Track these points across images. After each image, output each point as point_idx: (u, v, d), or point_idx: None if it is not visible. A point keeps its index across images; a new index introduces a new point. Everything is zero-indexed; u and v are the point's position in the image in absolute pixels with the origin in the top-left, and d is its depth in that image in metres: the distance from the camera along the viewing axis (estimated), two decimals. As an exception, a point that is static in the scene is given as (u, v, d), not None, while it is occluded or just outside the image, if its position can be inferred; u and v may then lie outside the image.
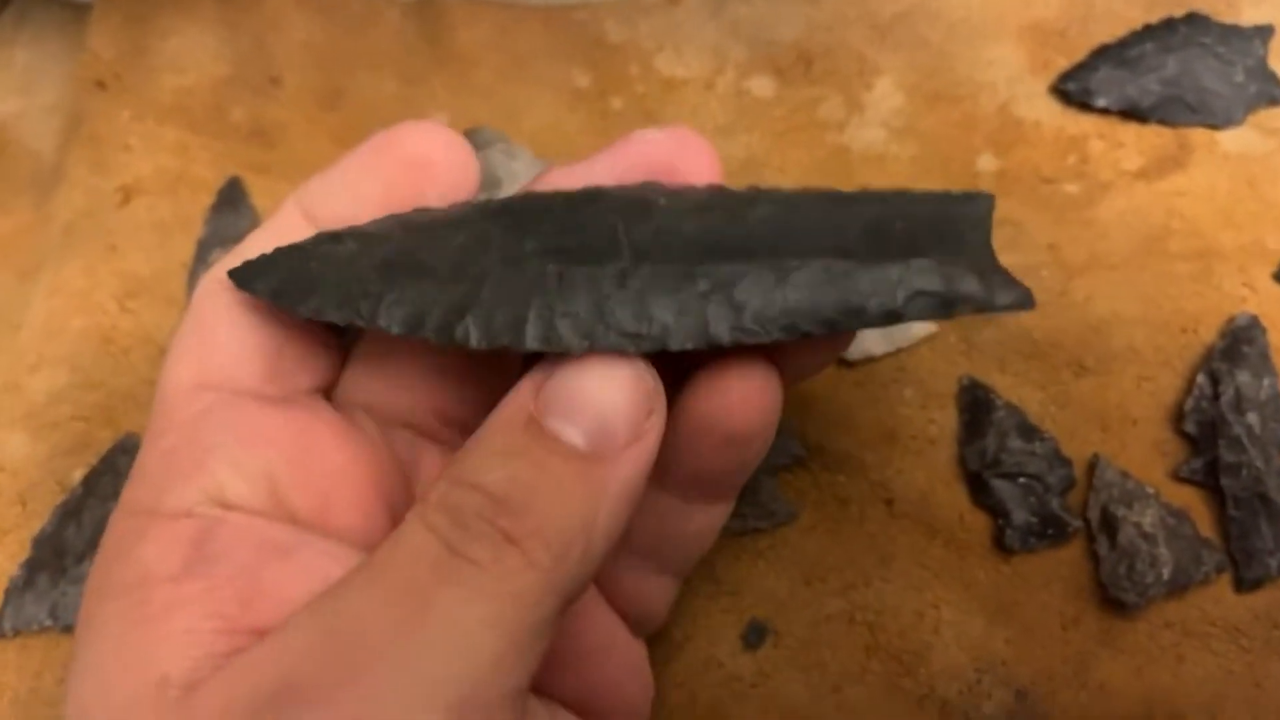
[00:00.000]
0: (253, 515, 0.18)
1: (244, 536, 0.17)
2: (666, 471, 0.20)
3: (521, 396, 0.17)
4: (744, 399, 0.18)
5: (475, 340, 0.17)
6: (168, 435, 0.18)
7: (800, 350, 0.19)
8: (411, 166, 0.20)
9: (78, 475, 0.30)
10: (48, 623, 0.28)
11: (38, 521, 0.29)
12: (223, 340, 0.19)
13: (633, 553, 0.21)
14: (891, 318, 0.17)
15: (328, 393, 0.21)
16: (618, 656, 0.22)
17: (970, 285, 0.17)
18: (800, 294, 0.17)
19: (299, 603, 0.17)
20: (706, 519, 0.21)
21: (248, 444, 0.18)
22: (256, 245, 0.19)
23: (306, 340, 0.20)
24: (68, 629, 0.28)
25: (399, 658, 0.15)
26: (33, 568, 0.29)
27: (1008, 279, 0.18)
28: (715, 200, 0.19)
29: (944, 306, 0.17)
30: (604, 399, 0.17)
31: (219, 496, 0.18)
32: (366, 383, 0.21)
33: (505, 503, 0.16)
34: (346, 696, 0.14)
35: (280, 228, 0.20)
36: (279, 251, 0.19)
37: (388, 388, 0.21)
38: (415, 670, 0.14)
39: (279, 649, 0.15)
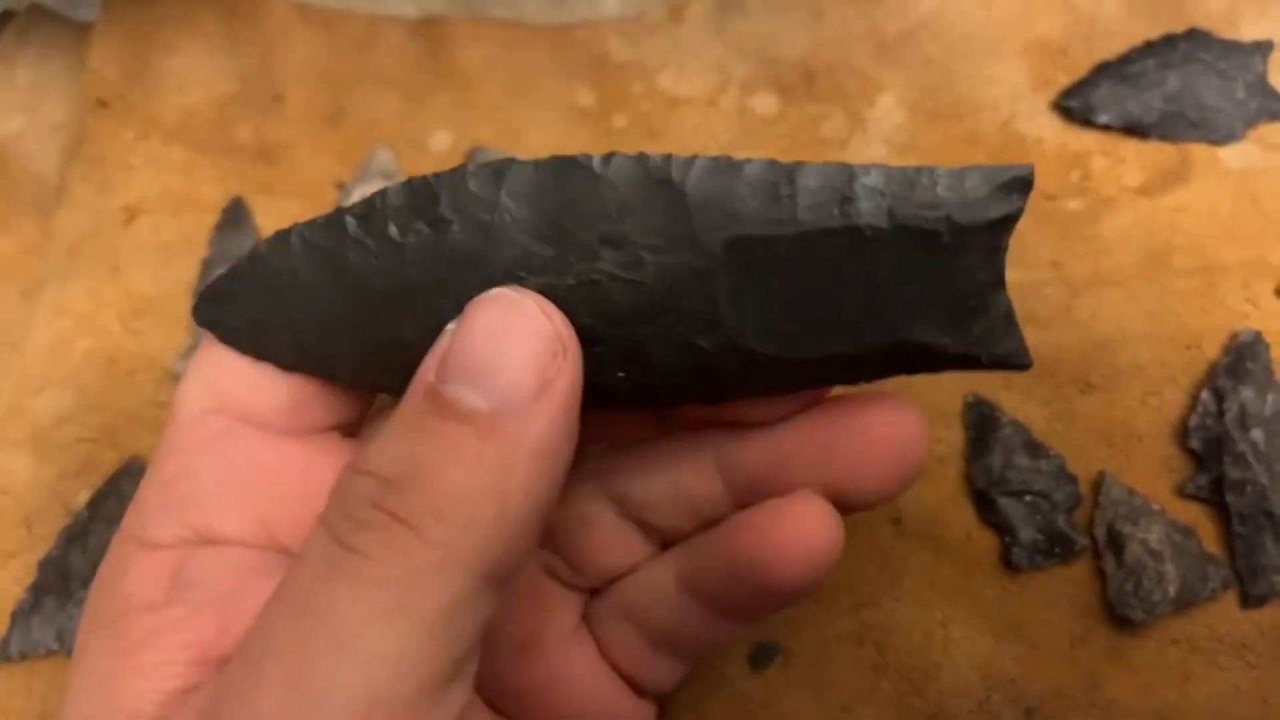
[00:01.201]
0: (239, 547, 0.18)
1: (226, 564, 0.17)
2: (697, 586, 0.19)
3: (423, 369, 0.16)
4: (798, 542, 0.17)
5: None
6: (170, 463, 0.18)
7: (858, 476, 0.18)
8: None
9: (83, 498, 0.30)
10: (54, 646, 0.28)
11: (43, 545, 0.29)
12: (243, 365, 0.19)
13: (648, 640, 0.21)
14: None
15: (355, 426, 0.20)
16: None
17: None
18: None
19: None
20: (732, 630, 0.20)
21: (245, 485, 0.18)
22: None
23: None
24: (74, 652, 0.28)
25: (297, 668, 0.14)
26: (39, 591, 0.29)
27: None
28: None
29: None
30: (498, 350, 0.15)
31: (206, 532, 0.18)
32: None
33: (394, 483, 0.14)
34: (247, 717, 0.14)
35: None
36: (241, 279, 0.19)
37: None
38: (314, 679, 0.13)
39: (219, 677, 0.15)
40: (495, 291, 0.16)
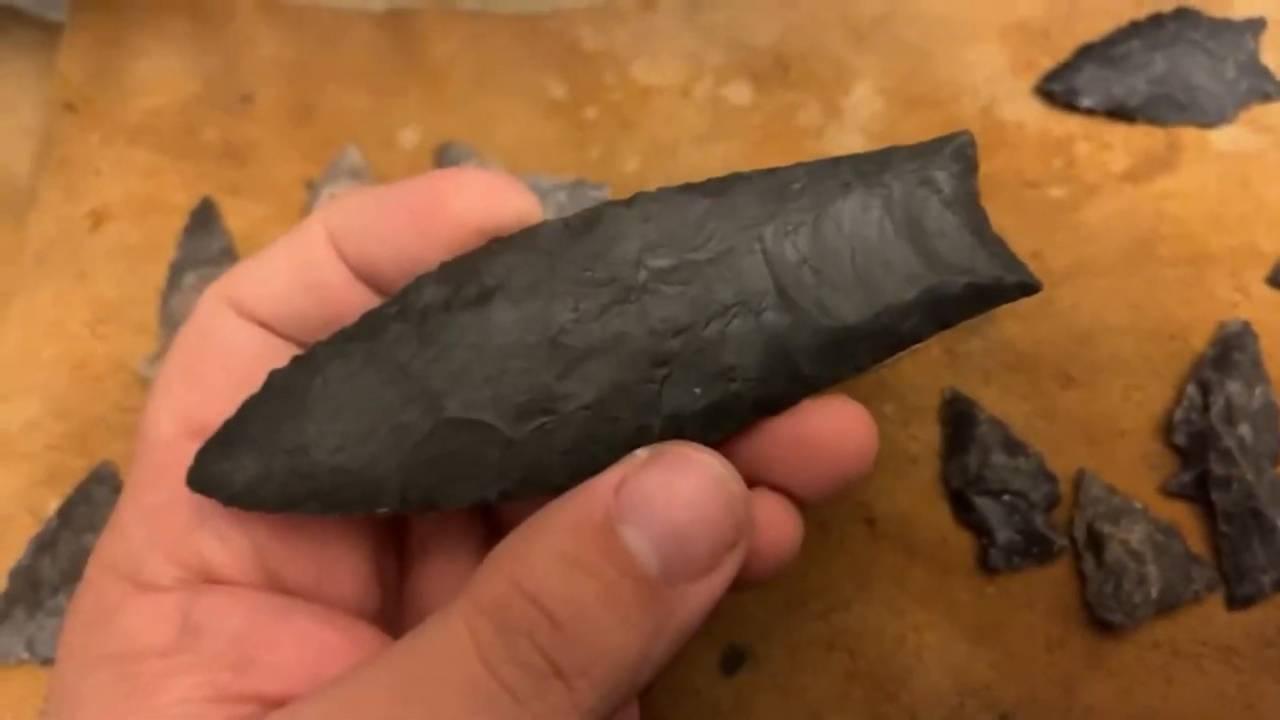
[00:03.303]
0: (240, 587, 0.17)
1: (233, 606, 0.17)
2: None
3: (602, 489, 0.15)
4: (765, 536, 0.17)
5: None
6: (152, 491, 0.18)
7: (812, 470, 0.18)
8: (457, 227, 0.18)
9: (52, 506, 0.29)
10: (24, 655, 0.28)
11: (12, 554, 0.29)
12: (218, 386, 0.18)
13: None
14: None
15: None
16: None
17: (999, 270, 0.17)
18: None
19: (294, 666, 0.16)
20: None
21: (234, 515, 0.17)
22: (271, 265, 0.18)
23: None
24: (46, 662, 0.28)
25: None
26: (8, 601, 0.28)
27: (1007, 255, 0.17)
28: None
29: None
30: (692, 522, 0.15)
31: (204, 571, 0.17)
32: None
33: (561, 628, 0.14)
34: None
35: (303, 251, 0.18)
36: (244, 432, 0.17)
37: None
38: None
39: None
40: (706, 459, 0.15)
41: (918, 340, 0.17)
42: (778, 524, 0.18)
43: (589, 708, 0.14)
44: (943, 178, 0.17)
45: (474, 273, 0.17)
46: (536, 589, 0.14)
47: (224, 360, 0.18)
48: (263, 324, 0.18)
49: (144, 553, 0.17)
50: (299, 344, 0.19)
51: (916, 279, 0.17)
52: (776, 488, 0.18)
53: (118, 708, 0.16)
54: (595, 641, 0.14)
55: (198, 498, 0.17)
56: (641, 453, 0.15)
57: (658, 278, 0.17)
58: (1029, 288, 0.17)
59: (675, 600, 0.15)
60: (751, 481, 0.18)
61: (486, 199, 0.18)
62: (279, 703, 0.16)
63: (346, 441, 0.16)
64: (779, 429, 0.18)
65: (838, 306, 0.17)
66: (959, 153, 0.18)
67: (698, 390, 0.17)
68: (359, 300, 0.18)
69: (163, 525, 0.17)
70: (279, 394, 0.17)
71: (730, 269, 0.17)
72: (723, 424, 0.17)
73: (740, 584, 0.18)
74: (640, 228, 0.17)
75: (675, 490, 0.15)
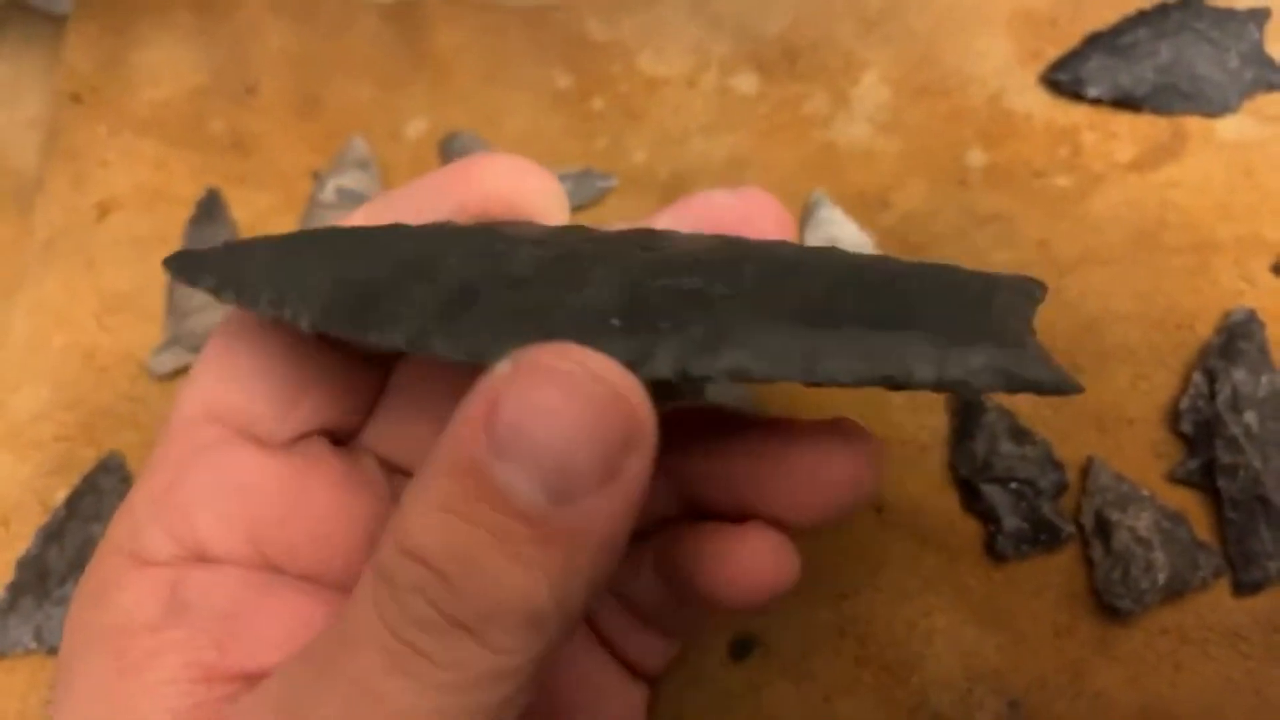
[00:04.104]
0: (232, 564, 0.18)
1: (221, 583, 0.17)
2: (667, 576, 0.19)
3: (464, 428, 0.13)
4: (755, 577, 0.17)
5: (389, 339, 0.15)
6: (163, 470, 0.18)
7: (811, 494, 0.17)
8: (489, 199, 0.18)
9: (60, 495, 0.30)
10: (32, 645, 0.28)
11: (21, 543, 0.29)
12: (243, 370, 0.18)
13: (637, 617, 0.21)
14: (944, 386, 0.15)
15: (353, 434, 0.20)
16: (615, 704, 0.21)
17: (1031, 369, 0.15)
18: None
19: (281, 644, 0.16)
20: (705, 609, 0.20)
21: (235, 497, 0.18)
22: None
23: (333, 382, 0.19)
24: (53, 651, 0.28)
25: None
26: (16, 590, 0.28)
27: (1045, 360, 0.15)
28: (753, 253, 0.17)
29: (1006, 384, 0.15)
30: (559, 434, 0.13)
31: (198, 549, 0.17)
32: (387, 435, 0.20)
33: (451, 582, 0.13)
34: None
35: None
36: (224, 249, 0.18)
37: (405, 442, 0.20)
38: None
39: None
40: (554, 350, 0.13)
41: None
42: (769, 565, 0.17)
43: (516, 649, 0.13)
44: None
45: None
46: (418, 546, 0.13)
47: (261, 347, 0.18)
48: None
49: (145, 529, 0.17)
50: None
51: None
52: (770, 519, 0.18)
53: (109, 686, 0.16)
54: (492, 588, 0.13)
55: (204, 480, 0.18)
56: (503, 365, 0.13)
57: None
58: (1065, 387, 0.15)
59: (578, 521, 0.13)
60: (743, 514, 0.18)
61: (511, 178, 0.18)
62: (264, 678, 0.16)
63: (306, 265, 0.17)
64: (770, 454, 0.17)
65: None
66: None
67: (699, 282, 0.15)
68: None
69: (166, 503, 0.18)
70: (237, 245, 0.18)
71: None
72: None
73: (732, 607, 0.18)
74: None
75: (542, 409, 0.13)
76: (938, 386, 0.15)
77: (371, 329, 0.15)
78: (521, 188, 0.18)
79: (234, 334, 0.19)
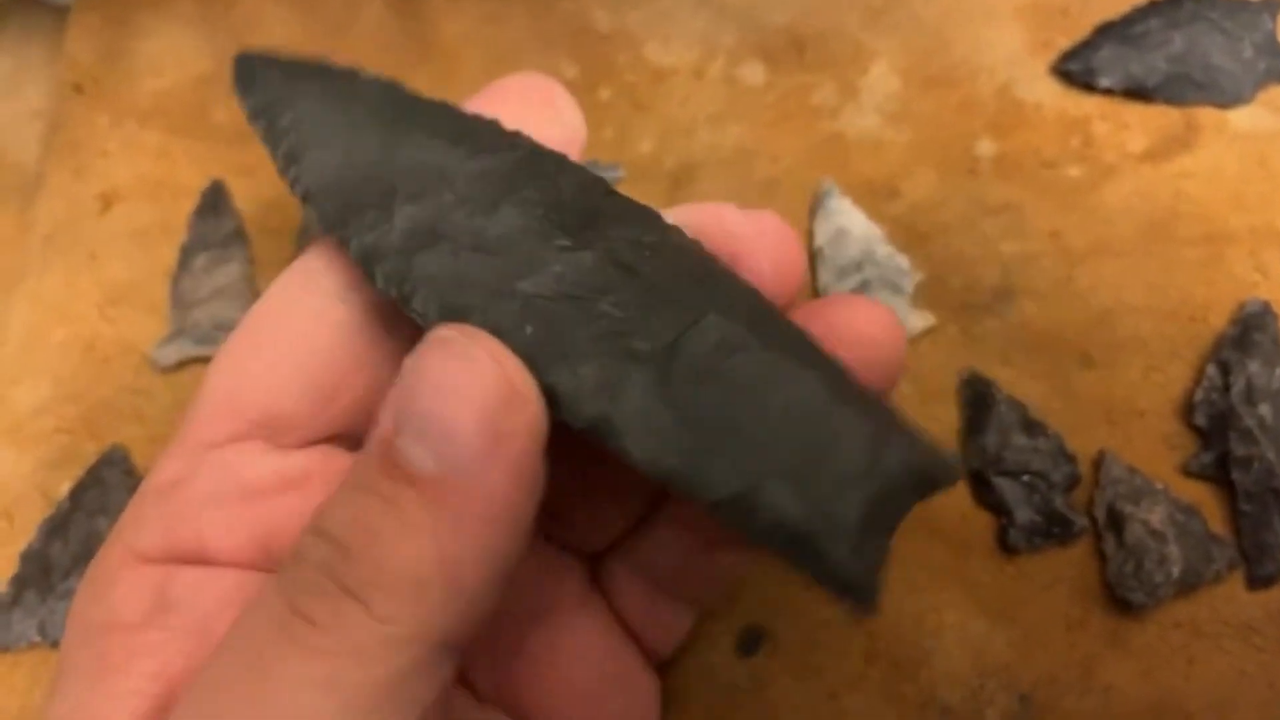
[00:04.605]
0: (233, 567, 0.17)
1: (213, 585, 0.17)
2: (684, 521, 0.19)
3: (382, 416, 0.14)
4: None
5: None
6: (174, 463, 0.18)
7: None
8: (528, 105, 0.19)
9: (64, 489, 0.29)
10: (36, 639, 0.28)
11: (24, 537, 0.29)
12: (275, 361, 0.18)
13: (656, 586, 0.20)
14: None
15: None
16: (631, 692, 0.21)
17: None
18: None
19: None
20: (733, 559, 0.20)
21: (241, 502, 0.17)
22: None
23: (372, 379, 0.18)
24: (56, 645, 0.28)
25: None
26: (20, 584, 0.28)
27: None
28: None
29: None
30: (445, 405, 0.14)
31: (199, 549, 0.17)
32: None
33: (345, 549, 0.14)
34: None
35: None
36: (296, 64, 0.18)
37: None
38: None
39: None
40: (442, 333, 0.15)
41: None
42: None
43: (400, 617, 0.14)
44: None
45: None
46: (324, 522, 0.14)
47: (288, 338, 0.18)
48: (352, 286, 0.18)
49: (146, 524, 0.17)
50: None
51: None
52: None
53: (87, 689, 0.16)
54: (381, 554, 0.14)
55: (213, 479, 0.17)
56: (408, 360, 0.15)
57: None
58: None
59: (464, 486, 0.14)
60: None
61: (542, 85, 0.19)
62: None
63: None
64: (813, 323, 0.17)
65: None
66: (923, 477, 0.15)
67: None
68: None
69: (174, 500, 0.17)
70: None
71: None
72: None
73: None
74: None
75: (428, 379, 0.14)
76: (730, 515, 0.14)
77: (344, 235, 0.16)
78: (550, 101, 0.19)
79: (268, 321, 0.18)
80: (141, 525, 0.17)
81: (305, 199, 0.17)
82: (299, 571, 0.14)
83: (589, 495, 0.20)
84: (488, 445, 0.14)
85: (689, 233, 0.17)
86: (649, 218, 0.17)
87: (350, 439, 0.19)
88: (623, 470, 0.18)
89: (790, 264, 0.18)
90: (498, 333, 0.15)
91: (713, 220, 0.18)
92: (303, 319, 0.18)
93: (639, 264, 0.16)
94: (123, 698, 0.15)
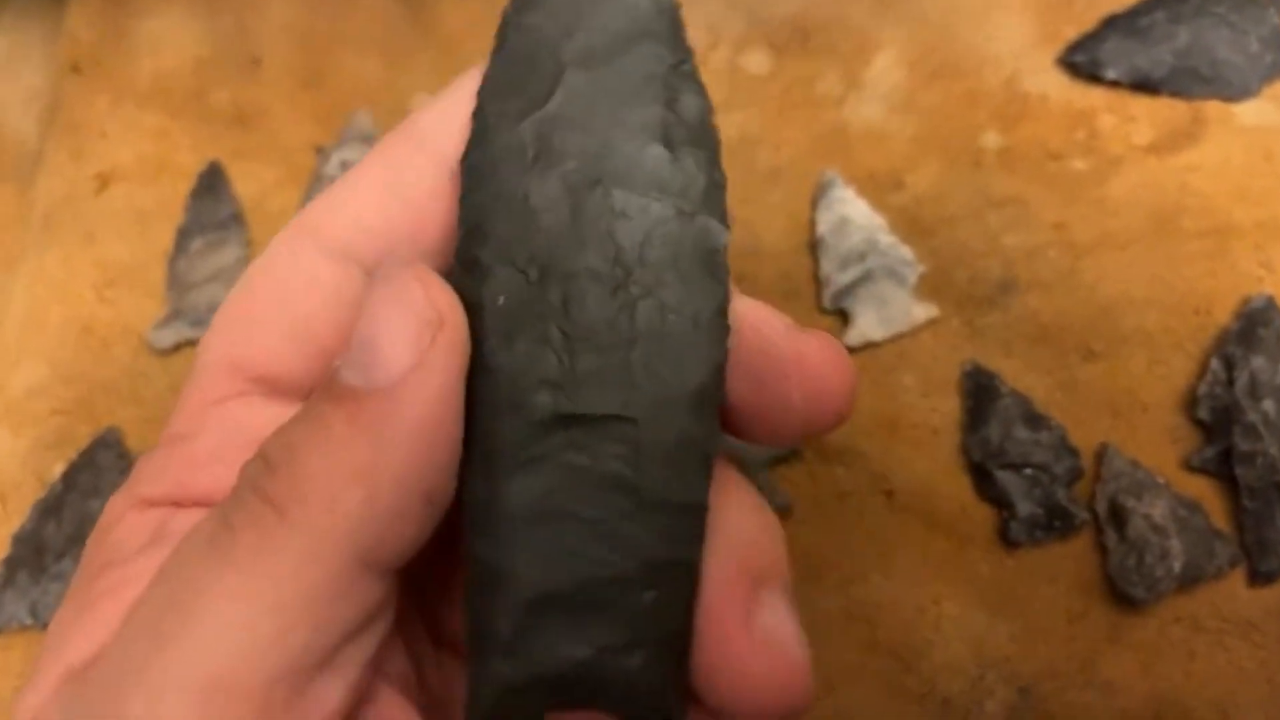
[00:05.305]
0: None
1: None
2: None
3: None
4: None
5: None
6: (182, 419, 0.18)
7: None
8: None
9: (58, 470, 0.29)
10: (28, 621, 0.27)
11: (17, 519, 0.28)
12: (272, 325, 0.18)
13: None
14: None
15: None
16: None
17: None
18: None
19: None
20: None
21: (250, 451, 0.17)
22: (364, 180, 0.18)
23: None
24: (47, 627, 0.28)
25: (151, 645, 0.14)
26: (12, 565, 0.28)
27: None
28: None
29: None
30: (374, 327, 0.15)
31: (203, 498, 0.17)
32: None
33: (275, 467, 0.14)
34: (102, 679, 0.14)
35: (388, 160, 0.18)
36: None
37: None
38: (159, 658, 0.13)
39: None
40: (398, 260, 0.16)
41: None
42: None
43: (306, 524, 0.14)
44: None
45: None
46: (264, 445, 0.15)
47: (283, 298, 0.18)
48: (346, 249, 0.18)
49: (156, 475, 0.17)
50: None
51: None
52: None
53: (74, 614, 0.16)
54: (304, 468, 0.14)
55: (220, 433, 0.17)
56: None
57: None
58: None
59: (391, 402, 0.14)
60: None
61: None
62: None
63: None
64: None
65: None
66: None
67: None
68: (446, 204, 0.18)
69: (181, 451, 0.17)
70: None
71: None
72: None
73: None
74: None
75: (365, 308, 0.15)
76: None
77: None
78: None
79: (264, 281, 0.18)
80: (149, 477, 0.17)
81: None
82: (234, 491, 0.15)
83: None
84: (409, 362, 0.14)
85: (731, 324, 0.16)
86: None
87: None
88: None
89: (829, 397, 0.16)
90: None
91: (753, 325, 0.17)
92: (297, 278, 0.18)
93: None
94: (109, 623, 0.15)
